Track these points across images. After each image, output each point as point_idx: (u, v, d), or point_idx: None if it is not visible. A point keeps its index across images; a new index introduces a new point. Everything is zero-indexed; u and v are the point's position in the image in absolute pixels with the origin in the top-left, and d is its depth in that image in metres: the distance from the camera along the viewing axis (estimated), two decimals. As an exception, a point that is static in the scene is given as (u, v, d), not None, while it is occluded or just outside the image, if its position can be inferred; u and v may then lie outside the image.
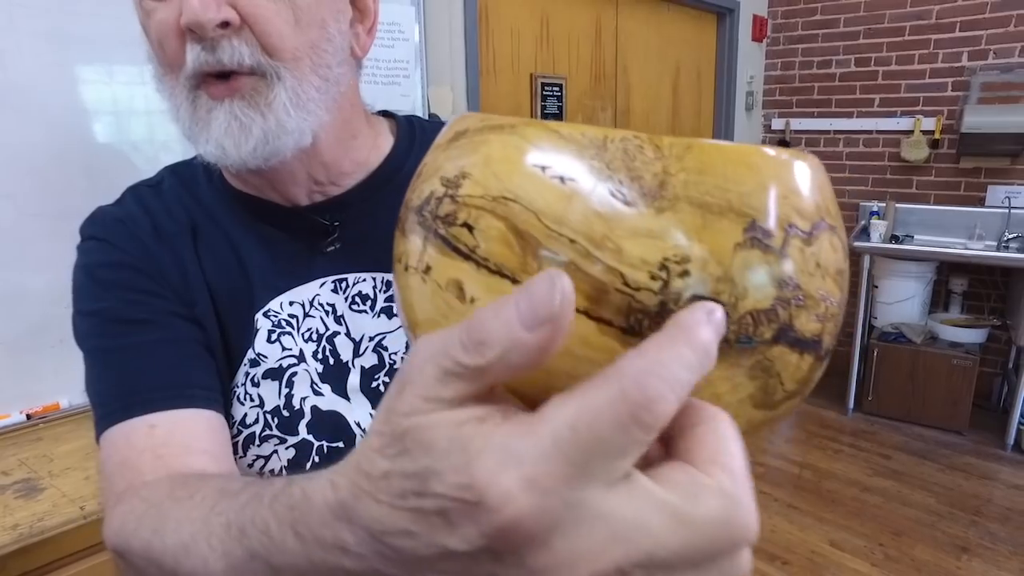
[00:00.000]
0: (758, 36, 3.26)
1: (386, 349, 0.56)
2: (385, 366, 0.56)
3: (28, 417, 1.21)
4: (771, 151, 0.25)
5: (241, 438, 0.51)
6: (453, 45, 1.92)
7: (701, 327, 0.19)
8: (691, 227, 0.22)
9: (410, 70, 1.62)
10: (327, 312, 0.55)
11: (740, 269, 0.23)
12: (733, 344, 0.23)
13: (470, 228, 0.24)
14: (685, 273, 0.22)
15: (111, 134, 1.17)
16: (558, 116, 2.40)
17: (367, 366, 0.55)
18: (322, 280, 0.55)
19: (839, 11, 3.13)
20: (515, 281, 0.23)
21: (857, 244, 2.83)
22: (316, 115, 0.47)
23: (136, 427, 0.45)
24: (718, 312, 0.20)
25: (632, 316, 0.22)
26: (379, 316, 0.56)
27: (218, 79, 0.45)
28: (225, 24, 0.43)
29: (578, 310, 0.22)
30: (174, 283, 0.51)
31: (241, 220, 0.55)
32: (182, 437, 0.45)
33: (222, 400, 0.51)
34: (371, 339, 0.56)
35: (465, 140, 0.25)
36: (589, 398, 0.17)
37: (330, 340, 0.54)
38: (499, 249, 0.23)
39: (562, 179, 0.23)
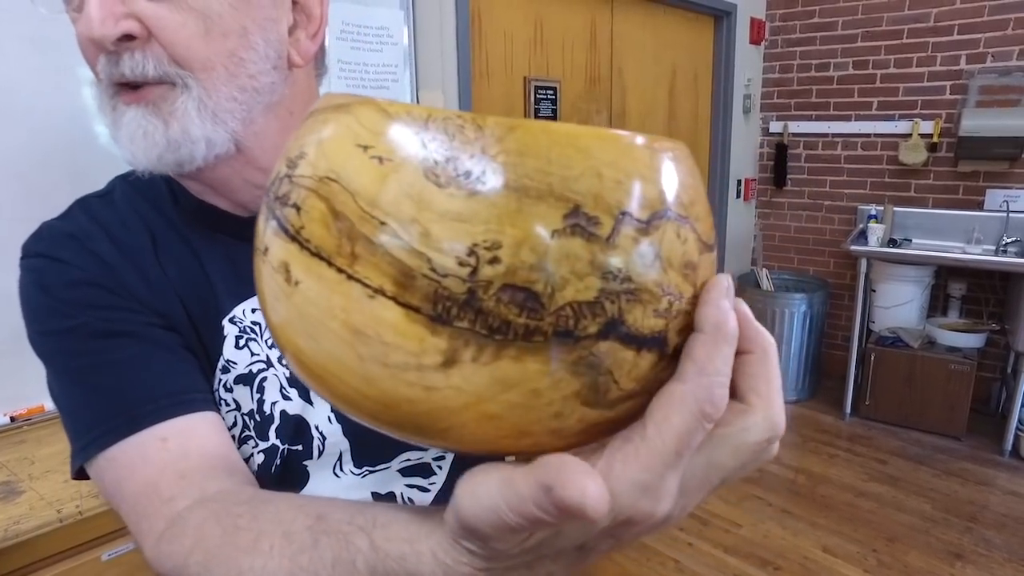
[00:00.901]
0: (756, 39, 3.25)
1: None
2: None
3: (12, 419, 1.22)
4: (615, 133, 0.23)
5: None
6: (444, 49, 1.92)
7: (729, 318, 0.24)
8: (504, 212, 0.21)
9: (399, 74, 1.63)
10: None
11: (557, 257, 0.21)
12: (550, 337, 0.22)
13: (298, 208, 0.23)
14: (495, 260, 0.21)
15: (94, 138, 1.18)
16: (552, 119, 2.39)
17: None
18: None
19: (837, 14, 3.12)
20: (330, 264, 0.22)
21: (855, 248, 2.81)
22: (230, 123, 0.47)
23: (147, 441, 0.44)
24: (727, 282, 0.24)
25: (440, 304, 0.21)
26: None
27: (131, 88, 0.45)
28: (129, 37, 0.43)
29: (387, 295, 0.21)
30: (140, 295, 0.50)
31: (199, 228, 0.54)
32: (197, 446, 0.45)
33: (214, 399, 0.51)
34: None
35: (312, 120, 0.25)
36: (675, 422, 0.23)
37: (274, 361, 0.54)
38: (319, 231, 0.22)
39: (380, 159, 0.22)
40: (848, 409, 2.94)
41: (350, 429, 0.54)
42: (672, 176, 0.24)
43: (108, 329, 0.48)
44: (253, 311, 0.54)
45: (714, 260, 0.28)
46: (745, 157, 3.37)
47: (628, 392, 0.24)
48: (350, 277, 0.22)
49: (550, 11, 2.32)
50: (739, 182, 3.35)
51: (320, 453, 0.55)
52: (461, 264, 0.21)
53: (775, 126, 3.37)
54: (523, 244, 0.21)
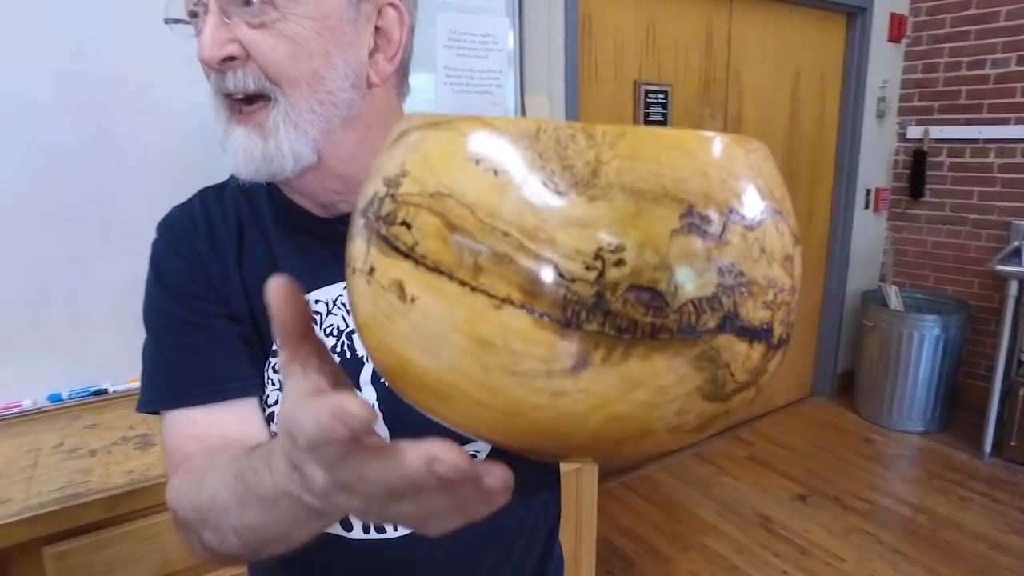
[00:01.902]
0: (896, 36, 2.99)
1: None
2: None
3: (150, 387, 1.38)
4: (713, 135, 0.23)
5: (266, 414, 0.58)
6: (552, 54, 1.94)
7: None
8: (625, 214, 0.21)
9: (502, 79, 1.67)
10: (348, 311, 0.60)
11: (678, 256, 0.22)
12: (675, 334, 0.22)
13: (408, 226, 0.23)
14: (620, 262, 0.21)
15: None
16: (662, 123, 2.35)
17: None
18: (344, 283, 0.60)
19: (1000, 3, 2.79)
20: (452, 278, 0.22)
21: (1005, 268, 2.51)
22: (310, 133, 0.52)
23: (182, 418, 0.55)
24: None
25: (569, 308, 0.21)
26: None
27: (242, 103, 0.52)
28: (231, 59, 0.50)
29: (514, 304, 0.22)
30: (217, 287, 0.58)
31: (283, 227, 0.60)
32: (217, 430, 0.54)
33: (260, 382, 0.57)
34: None
35: (406, 139, 0.25)
36: None
37: (348, 336, 0.59)
38: (436, 245, 0.23)
39: (495, 171, 0.22)
40: (988, 448, 2.63)
41: (389, 419, 0.58)
42: (767, 174, 0.25)
43: (188, 319, 0.57)
44: (316, 302, 0.59)
45: (802, 252, 0.28)
46: (876, 165, 3.12)
47: (742, 383, 0.25)
48: (474, 289, 0.22)
49: (663, 14, 2.27)
50: (868, 191, 3.10)
51: None
52: (588, 268, 0.21)
53: (914, 131, 3.08)
54: (646, 245, 0.21)
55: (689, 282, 0.22)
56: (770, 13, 2.57)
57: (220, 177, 0.66)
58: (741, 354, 0.24)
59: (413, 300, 0.23)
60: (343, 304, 0.59)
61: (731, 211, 0.23)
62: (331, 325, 0.59)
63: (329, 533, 0.58)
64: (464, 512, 0.27)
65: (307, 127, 0.52)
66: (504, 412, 0.23)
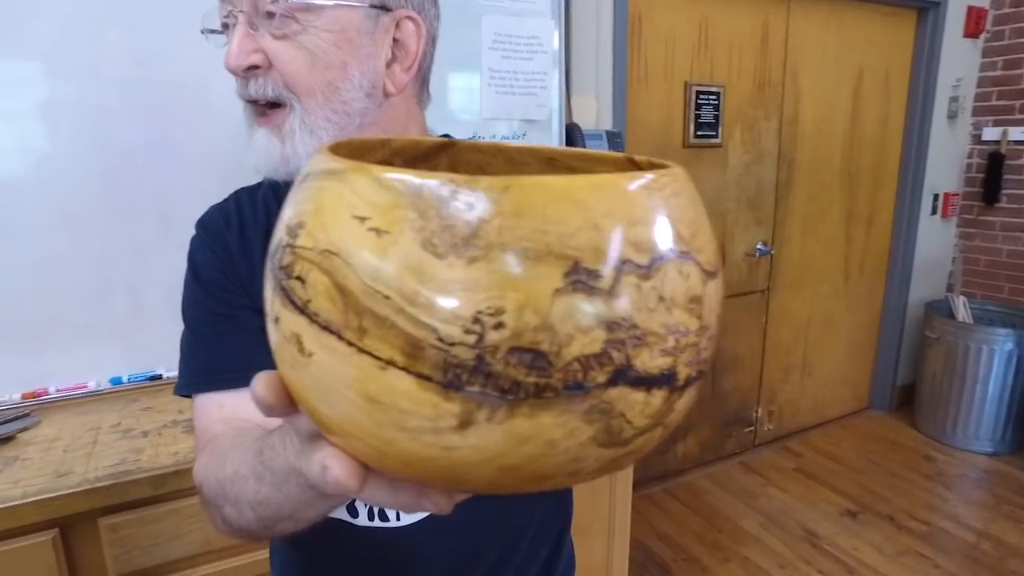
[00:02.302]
0: (973, 31, 2.83)
1: None
2: None
3: (202, 374, 1.47)
4: (615, 179, 0.23)
5: None
6: (600, 55, 1.94)
7: None
8: (505, 277, 0.21)
9: (547, 81, 1.68)
10: None
11: (561, 316, 0.21)
12: (561, 392, 0.22)
13: (303, 281, 0.24)
14: (500, 325, 0.21)
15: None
16: (714, 125, 2.31)
17: None
18: None
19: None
20: (340, 338, 0.22)
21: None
22: (324, 139, 0.55)
23: (210, 402, 0.58)
24: None
25: (450, 371, 0.21)
26: None
27: (263, 107, 0.55)
28: (255, 67, 0.53)
29: (398, 366, 0.22)
30: (244, 282, 0.61)
31: None
32: (242, 414, 0.57)
33: None
34: None
35: (307, 184, 0.25)
36: None
37: None
38: (326, 304, 0.23)
39: (378, 231, 0.22)
40: (1062, 472, 2.47)
41: None
42: (671, 213, 0.24)
43: (218, 310, 0.60)
44: None
45: (722, 283, 0.27)
46: (946, 168, 2.96)
47: (642, 428, 0.25)
48: (360, 350, 0.22)
49: (717, 13, 2.23)
50: (936, 196, 2.94)
51: None
52: (467, 332, 0.21)
53: (990, 133, 2.91)
54: (526, 307, 0.21)
55: (574, 340, 0.22)
56: (832, 11, 2.48)
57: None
58: (639, 403, 0.24)
59: (310, 355, 0.24)
60: None
61: (624, 263, 0.22)
62: None
63: (337, 519, 0.61)
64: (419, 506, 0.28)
65: (322, 133, 0.55)
66: (401, 461, 0.24)
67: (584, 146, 1.80)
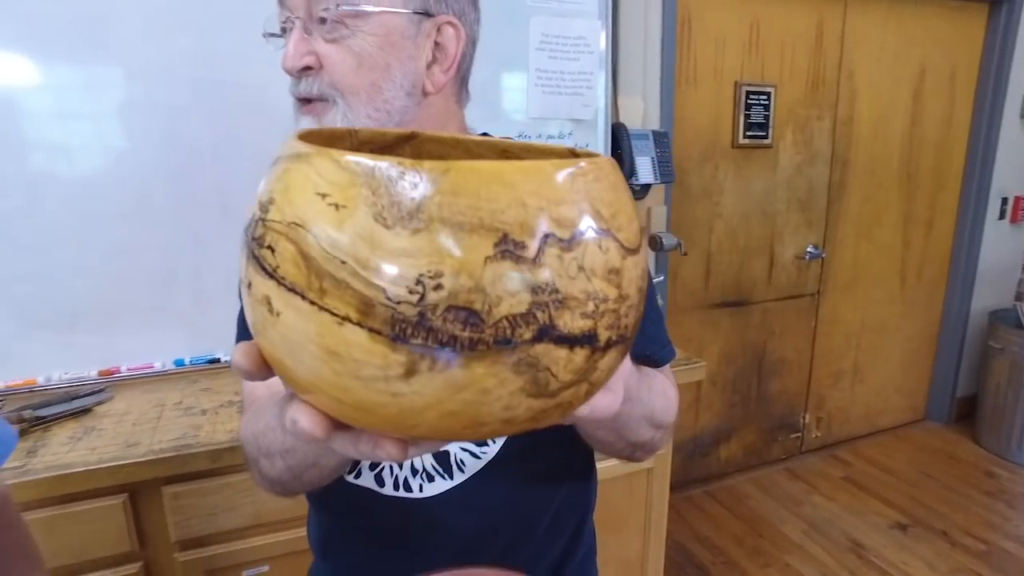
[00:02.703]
0: (1047, 29, 2.69)
1: None
2: None
3: (258, 359, 1.55)
4: (538, 165, 0.26)
5: None
6: (648, 55, 1.94)
7: None
8: (443, 246, 0.25)
9: (593, 81, 1.69)
10: None
11: (491, 280, 0.25)
12: (492, 345, 0.26)
13: (272, 250, 0.27)
14: (439, 287, 0.25)
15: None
16: (764, 126, 2.28)
17: None
18: None
19: None
20: (304, 298, 0.26)
21: None
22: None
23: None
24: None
25: (396, 326, 0.25)
26: None
27: (306, 102, 0.59)
28: (308, 68, 0.57)
29: (352, 322, 0.25)
30: None
31: None
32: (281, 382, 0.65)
33: None
34: None
35: (278, 166, 0.29)
36: None
37: None
38: (292, 269, 0.26)
39: (336, 206, 0.25)
40: None
41: None
42: (592, 196, 0.27)
43: None
44: None
45: (643, 258, 0.31)
46: (1016, 171, 2.82)
47: (568, 382, 0.28)
48: (321, 308, 0.26)
49: (769, 12, 2.20)
50: (1004, 200, 2.81)
51: None
52: (411, 292, 0.25)
53: (1065, 134, 2.76)
54: (461, 272, 0.25)
55: (502, 301, 0.25)
56: (892, 8, 2.41)
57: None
58: (562, 359, 0.27)
59: (278, 314, 0.27)
60: None
61: (547, 236, 0.26)
62: None
63: (365, 487, 0.65)
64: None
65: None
66: (356, 408, 0.28)
67: (630, 146, 1.81)
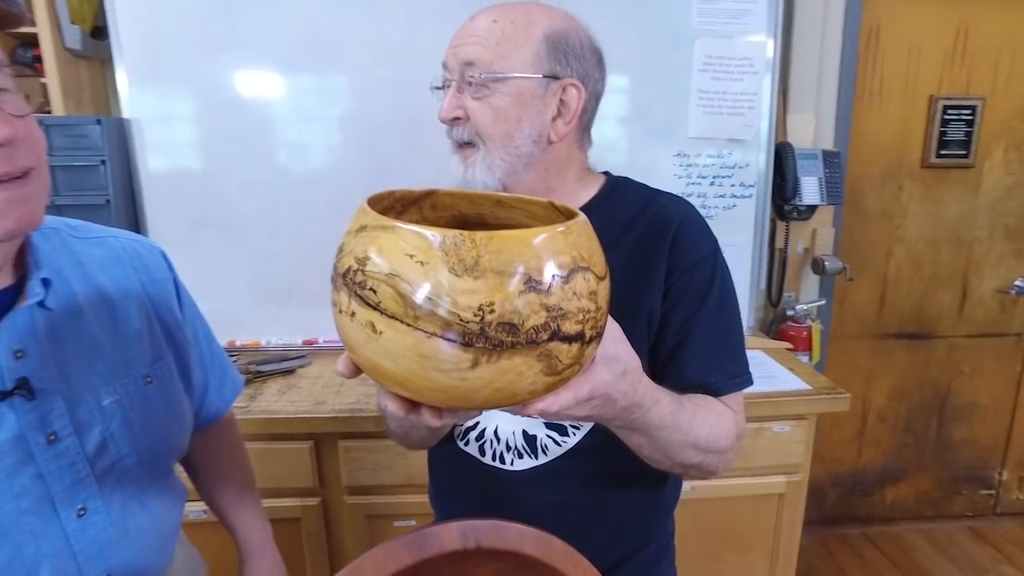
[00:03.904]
0: None
1: None
2: None
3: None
4: (545, 232, 0.40)
5: None
6: (824, 69, 1.87)
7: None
8: (494, 285, 0.39)
9: (756, 101, 1.68)
10: None
11: (523, 305, 0.39)
12: (524, 345, 0.40)
13: (374, 291, 0.40)
14: (491, 311, 0.39)
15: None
16: (964, 143, 2.06)
17: None
18: None
19: None
20: (402, 322, 0.40)
21: None
22: (498, 173, 0.73)
23: None
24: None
25: (467, 336, 0.39)
26: None
27: (460, 144, 0.74)
28: (457, 118, 0.72)
29: (438, 336, 0.39)
30: None
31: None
32: None
33: None
34: None
35: (367, 233, 0.42)
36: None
37: None
38: (392, 304, 0.39)
39: (422, 263, 0.39)
40: None
41: None
42: (576, 246, 0.42)
43: None
44: None
45: (606, 284, 0.45)
46: None
47: (567, 364, 0.43)
48: (415, 328, 0.39)
49: (980, 17, 1.98)
50: None
51: None
52: (475, 315, 0.38)
53: None
54: (505, 301, 0.39)
55: (530, 318, 0.39)
56: None
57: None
58: (564, 350, 0.42)
59: (381, 333, 0.40)
60: None
61: (554, 276, 0.40)
62: None
63: (471, 454, 0.80)
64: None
65: (495, 169, 0.73)
66: (438, 391, 0.42)
67: (795, 166, 1.78)
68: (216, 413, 0.89)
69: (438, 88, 0.78)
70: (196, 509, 1.36)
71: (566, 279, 0.41)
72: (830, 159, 1.82)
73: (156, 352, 0.74)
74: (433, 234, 0.39)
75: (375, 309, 0.40)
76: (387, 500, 1.47)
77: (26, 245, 0.64)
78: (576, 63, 0.74)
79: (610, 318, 0.50)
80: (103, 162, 1.55)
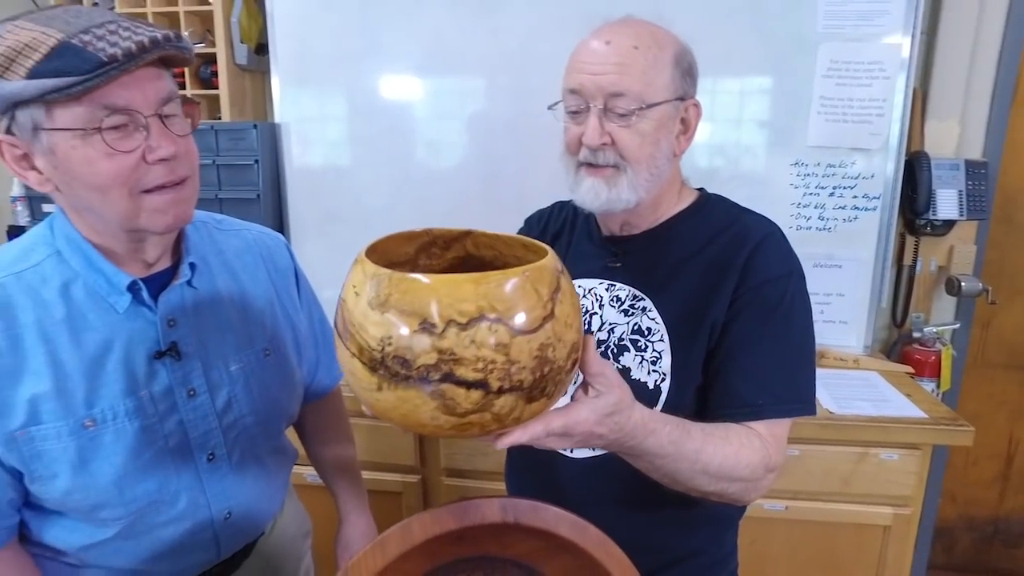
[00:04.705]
0: None
1: (614, 332, 0.83)
2: (610, 342, 0.83)
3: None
4: (454, 280, 0.45)
5: None
6: (975, 71, 1.70)
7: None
8: (394, 322, 0.45)
9: (885, 108, 1.57)
10: (596, 300, 0.86)
11: (415, 343, 0.45)
12: (415, 380, 0.45)
13: (336, 312, 0.51)
14: (390, 344, 0.45)
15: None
16: None
17: (603, 337, 0.84)
18: (601, 280, 0.86)
19: None
20: (342, 341, 0.49)
21: None
22: (640, 192, 0.77)
23: None
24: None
25: (372, 362, 0.46)
26: (620, 313, 0.83)
27: (591, 166, 0.78)
28: (603, 144, 0.75)
29: (357, 357, 0.47)
30: None
31: (581, 236, 0.91)
32: None
33: None
34: (610, 324, 0.84)
35: (354, 264, 0.51)
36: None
37: (590, 315, 0.85)
38: (340, 325, 0.50)
39: (356, 294, 0.48)
40: None
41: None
42: (490, 296, 0.45)
43: None
44: (578, 286, 0.86)
45: (532, 339, 0.46)
46: None
47: (470, 409, 0.47)
48: (346, 347, 0.48)
49: None
50: None
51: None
52: (378, 345, 0.45)
53: None
54: (402, 338, 0.45)
55: (421, 356, 0.44)
56: None
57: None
58: (461, 395, 0.45)
59: (338, 348, 0.51)
60: (595, 292, 0.86)
61: (451, 321, 0.44)
62: (582, 304, 0.86)
63: None
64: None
65: (639, 189, 0.77)
66: (365, 403, 0.50)
67: (930, 176, 1.65)
68: (325, 388, 1.02)
69: (574, 112, 0.78)
70: (311, 473, 1.53)
71: (464, 327, 0.44)
72: (975, 170, 1.66)
73: (275, 330, 0.87)
74: (369, 271, 0.47)
75: (335, 328, 0.51)
76: (481, 485, 1.56)
77: (181, 235, 0.78)
78: (693, 82, 0.79)
79: (603, 360, 0.55)
80: (256, 161, 1.78)
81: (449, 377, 0.45)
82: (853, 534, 1.44)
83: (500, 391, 0.46)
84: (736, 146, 1.68)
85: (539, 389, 0.48)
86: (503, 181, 1.80)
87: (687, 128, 0.80)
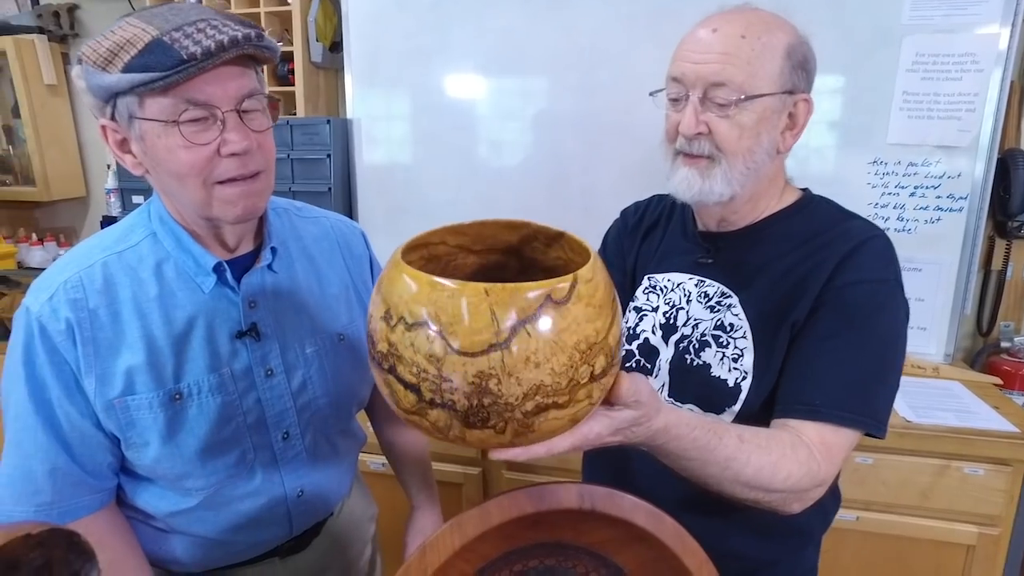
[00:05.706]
0: None
1: (697, 327, 0.82)
2: (693, 338, 0.81)
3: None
4: (421, 278, 0.45)
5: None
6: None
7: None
8: (377, 304, 0.49)
9: (976, 103, 1.48)
10: (684, 295, 0.84)
11: (378, 328, 0.48)
12: (376, 362, 0.48)
13: None
14: (370, 322, 0.50)
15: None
16: None
17: (686, 332, 0.83)
18: (691, 275, 0.85)
19: None
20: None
21: None
22: (735, 186, 0.75)
23: None
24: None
25: (368, 337, 0.50)
26: (706, 309, 0.81)
27: (687, 155, 0.76)
28: (700, 133, 0.74)
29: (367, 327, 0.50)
30: (625, 251, 0.94)
31: (675, 229, 0.90)
32: None
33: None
34: (695, 319, 0.82)
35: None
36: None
37: (676, 309, 0.84)
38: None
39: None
40: None
41: (673, 370, 0.81)
42: (438, 306, 0.44)
43: (616, 264, 0.96)
44: (668, 280, 0.86)
45: (470, 363, 0.43)
46: None
47: (409, 408, 0.47)
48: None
49: None
50: None
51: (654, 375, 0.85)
52: (368, 320, 0.50)
53: None
54: (373, 319, 0.49)
55: (380, 342, 0.47)
56: None
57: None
58: (400, 391, 0.46)
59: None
60: (683, 287, 0.85)
61: (401, 318, 0.45)
62: (670, 298, 0.85)
63: None
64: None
65: (734, 183, 0.75)
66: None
67: (1024, 176, 1.54)
68: (395, 377, 1.04)
69: (674, 100, 0.78)
70: (376, 461, 1.57)
71: (410, 327, 0.45)
72: (1076, 170, 1.55)
73: (349, 315, 0.89)
74: (396, 256, 0.50)
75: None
76: (542, 479, 1.55)
77: (263, 220, 0.81)
78: (807, 76, 0.76)
79: (635, 382, 0.53)
80: (328, 156, 1.83)
81: (393, 371, 0.47)
82: (932, 551, 1.36)
83: (432, 403, 0.45)
84: (808, 144, 1.62)
85: (479, 419, 0.45)
86: (569, 179, 1.80)
87: (795, 124, 0.76)
